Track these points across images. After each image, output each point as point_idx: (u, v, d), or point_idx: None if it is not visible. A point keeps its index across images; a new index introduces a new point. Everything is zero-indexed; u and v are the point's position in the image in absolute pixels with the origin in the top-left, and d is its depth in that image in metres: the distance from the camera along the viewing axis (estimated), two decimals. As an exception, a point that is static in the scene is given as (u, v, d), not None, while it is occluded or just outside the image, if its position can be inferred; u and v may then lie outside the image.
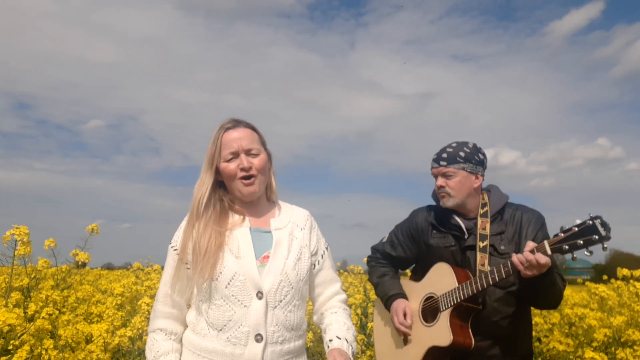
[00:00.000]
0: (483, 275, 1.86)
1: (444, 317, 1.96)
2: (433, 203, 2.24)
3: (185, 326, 1.55)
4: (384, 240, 2.33)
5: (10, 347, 2.20)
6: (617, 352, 3.13)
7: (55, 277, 3.16)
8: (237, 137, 1.52)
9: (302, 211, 1.64)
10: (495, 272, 1.83)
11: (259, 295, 1.41)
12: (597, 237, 1.57)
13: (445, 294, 1.97)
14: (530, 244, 1.72)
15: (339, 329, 1.53)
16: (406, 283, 2.25)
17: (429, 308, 2.07)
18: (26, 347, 2.14)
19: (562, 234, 1.64)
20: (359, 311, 4.55)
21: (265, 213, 1.59)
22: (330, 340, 1.49)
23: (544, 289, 1.82)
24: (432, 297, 2.06)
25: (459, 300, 1.91)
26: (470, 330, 1.96)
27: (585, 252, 1.59)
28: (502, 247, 1.98)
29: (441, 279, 2.02)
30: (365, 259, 2.52)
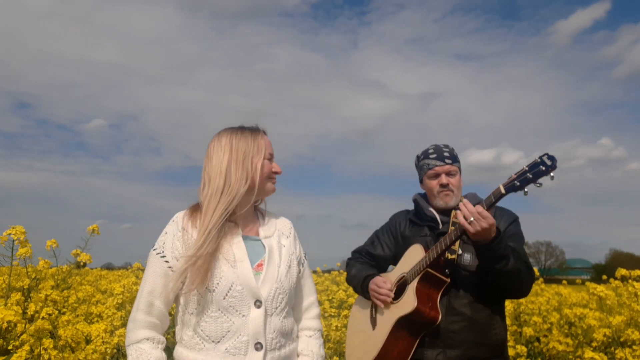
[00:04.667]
0: (446, 236, 1.88)
1: (411, 287, 1.93)
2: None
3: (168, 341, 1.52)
4: (365, 242, 2.35)
5: (10, 347, 2.20)
6: (617, 351, 3.14)
7: (56, 277, 3.16)
8: (270, 143, 1.58)
9: (285, 220, 1.67)
10: (452, 231, 1.86)
11: (257, 304, 1.41)
12: (543, 167, 1.62)
13: (413, 266, 1.97)
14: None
15: None
16: (383, 275, 2.21)
17: (401, 287, 2.03)
18: (26, 347, 2.15)
19: (514, 175, 1.71)
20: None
21: (253, 221, 1.60)
22: None
23: (503, 274, 1.79)
24: (403, 276, 2.04)
25: (424, 266, 1.90)
26: (438, 305, 1.91)
27: (536, 184, 1.65)
28: None
29: (412, 258, 2.01)
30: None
